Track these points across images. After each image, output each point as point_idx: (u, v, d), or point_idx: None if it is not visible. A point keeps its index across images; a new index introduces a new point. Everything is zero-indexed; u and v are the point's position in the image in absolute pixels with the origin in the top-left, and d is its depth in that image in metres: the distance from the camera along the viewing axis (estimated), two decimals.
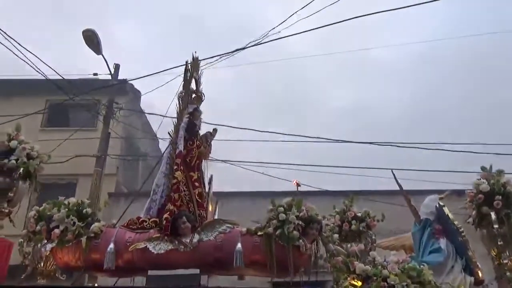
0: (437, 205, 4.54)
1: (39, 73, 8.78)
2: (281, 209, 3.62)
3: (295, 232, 3.49)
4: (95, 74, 10.84)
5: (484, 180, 3.75)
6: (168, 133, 4.25)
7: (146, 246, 3.50)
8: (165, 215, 3.62)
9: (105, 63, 10.16)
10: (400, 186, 4.88)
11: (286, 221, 3.53)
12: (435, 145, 9.72)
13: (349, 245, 4.61)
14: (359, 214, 4.72)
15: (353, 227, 4.63)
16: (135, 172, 14.72)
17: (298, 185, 4.13)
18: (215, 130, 4.90)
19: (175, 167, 3.96)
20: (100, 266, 3.48)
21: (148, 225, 3.70)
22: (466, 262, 3.98)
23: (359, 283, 3.30)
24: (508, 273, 3.49)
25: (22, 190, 3.91)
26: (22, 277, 4.36)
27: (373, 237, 4.70)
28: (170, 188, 3.86)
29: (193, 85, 4.88)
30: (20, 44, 7.95)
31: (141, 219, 3.77)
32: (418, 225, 4.63)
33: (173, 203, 3.73)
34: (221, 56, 7.92)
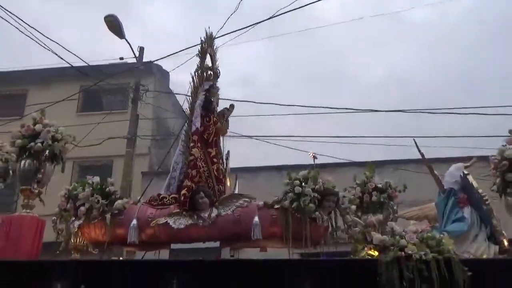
0: (462, 174, 4.41)
1: (64, 61, 9.07)
2: (297, 182, 3.64)
3: (311, 205, 3.50)
4: (121, 59, 11.06)
5: (510, 146, 3.58)
6: (183, 111, 4.31)
7: (167, 221, 3.63)
8: (183, 191, 3.73)
9: (130, 47, 10.38)
10: (422, 154, 4.76)
11: (302, 193, 3.55)
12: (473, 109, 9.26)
13: (369, 216, 4.61)
14: (380, 185, 4.64)
15: (373, 198, 4.57)
16: (167, 151, 15.13)
17: (314, 157, 4.11)
18: (232, 105, 4.91)
19: (192, 144, 4.04)
20: (125, 241, 3.66)
21: (168, 201, 3.83)
22: (490, 231, 3.88)
23: (376, 253, 3.29)
24: None
25: (50, 171, 4.11)
26: (57, 252, 4.68)
27: (395, 208, 4.62)
28: (187, 165, 3.95)
29: (209, 62, 4.91)
30: (45, 35, 8.21)
31: (161, 196, 3.90)
32: (442, 195, 4.53)
33: (190, 179, 3.82)
34: (239, 30, 7.88)
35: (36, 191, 3.98)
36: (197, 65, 4.51)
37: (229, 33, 8.30)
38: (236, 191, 4.74)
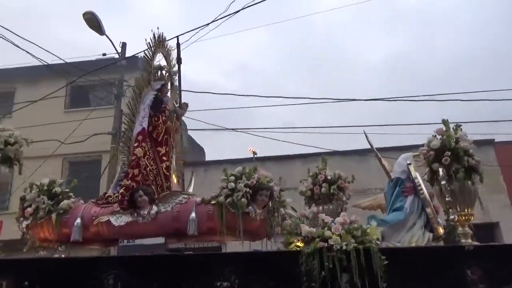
0: (407, 163, 4.48)
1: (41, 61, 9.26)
2: (232, 178, 3.77)
3: (243, 200, 3.64)
4: (104, 54, 11.23)
5: (439, 136, 3.65)
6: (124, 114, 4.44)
7: (109, 219, 3.80)
8: (121, 190, 3.89)
9: (111, 43, 10.51)
10: (371, 144, 4.84)
11: (235, 189, 3.69)
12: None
13: (320, 208, 4.73)
14: (329, 177, 4.75)
15: (323, 190, 4.68)
16: None
17: (254, 153, 4.22)
18: (185, 104, 5.05)
19: (136, 144, 4.19)
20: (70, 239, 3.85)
21: (112, 200, 4.00)
22: (426, 219, 3.97)
23: (302, 244, 3.42)
24: (458, 229, 3.45)
25: (5, 174, 4.30)
26: (25, 250, 4.91)
27: (344, 199, 4.73)
28: (128, 165, 4.10)
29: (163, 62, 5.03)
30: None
31: (107, 195, 4.08)
32: (391, 184, 4.62)
33: (131, 178, 3.98)
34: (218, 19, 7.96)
35: None
36: (142, 68, 4.62)
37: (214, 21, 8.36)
38: (192, 187, 4.90)
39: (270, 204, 3.78)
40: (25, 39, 8.39)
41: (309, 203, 4.90)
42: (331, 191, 4.72)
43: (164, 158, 4.45)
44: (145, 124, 4.37)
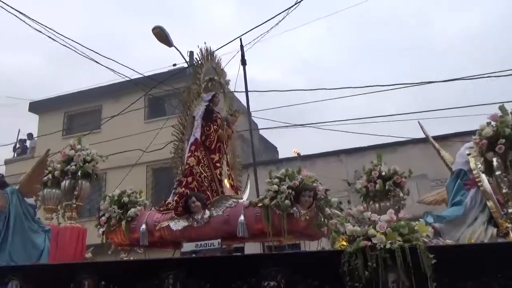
0: (467, 154, 4.17)
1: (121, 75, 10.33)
2: (276, 180, 3.89)
3: (286, 201, 3.74)
4: (174, 65, 12.02)
5: (494, 123, 3.34)
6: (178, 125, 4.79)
7: (168, 224, 4.17)
8: (175, 198, 4.23)
9: (180, 54, 11.24)
10: (426, 135, 4.59)
11: (279, 191, 3.80)
12: None
13: (376, 206, 4.61)
14: (384, 173, 4.59)
15: (377, 186, 4.54)
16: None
17: (298, 154, 4.22)
18: (236, 111, 5.29)
19: (189, 154, 4.51)
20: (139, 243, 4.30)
21: (171, 206, 4.37)
22: (489, 213, 3.66)
23: (346, 243, 3.40)
24: None
25: (86, 187, 4.93)
26: (109, 253, 5.57)
27: (401, 195, 4.53)
28: (182, 173, 4.44)
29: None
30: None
31: (167, 201, 4.46)
32: (452, 177, 4.34)
33: (184, 186, 4.30)
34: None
35: (75, 205, 4.81)
36: (191, 82, 4.93)
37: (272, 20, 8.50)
38: (248, 189, 5.12)
39: (315, 204, 3.81)
40: (108, 58, 9.41)
41: (365, 200, 4.80)
42: (387, 187, 4.57)
43: (218, 164, 4.72)
44: (197, 135, 4.69)
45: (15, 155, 15.87)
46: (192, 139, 4.63)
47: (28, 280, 4.11)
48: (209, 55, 5.17)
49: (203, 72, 5.09)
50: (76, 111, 15.93)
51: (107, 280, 3.94)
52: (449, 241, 3.52)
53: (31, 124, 16.79)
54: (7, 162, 15.12)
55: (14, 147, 16.19)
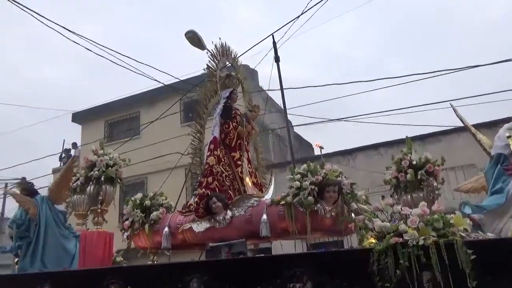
0: (507, 136, 3.82)
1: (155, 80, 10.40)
2: (298, 176, 3.70)
3: (309, 198, 3.55)
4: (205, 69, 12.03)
5: None
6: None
7: (191, 226, 4.08)
8: (195, 199, 4.13)
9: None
10: (460, 118, 4.25)
11: (301, 188, 3.61)
12: None
13: (408, 197, 4.32)
14: (414, 162, 4.28)
15: (408, 176, 4.24)
16: (266, 146, 15.79)
17: (321, 148, 4.01)
18: (256, 106, 5.12)
19: (208, 153, 4.40)
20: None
21: (193, 208, 4.27)
22: None
23: (375, 241, 3.17)
24: None
25: (110, 192, 4.94)
26: (139, 256, 5.58)
27: (435, 184, 4.21)
28: (202, 174, 4.33)
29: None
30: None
31: (188, 203, 4.37)
32: (491, 162, 3.99)
33: (205, 187, 4.19)
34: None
35: (99, 210, 4.83)
36: (206, 79, 4.82)
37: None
38: (272, 187, 4.95)
39: (340, 199, 3.60)
40: (145, 64, 9.55)
41: (396, 192, 4.52)
42: (419, 177, 4.26)
43: (239, 162, 4.58)
44: (216, 133, 4.57)
45: (62, 164, 16.47)
46: (210, 138, 4.51)
47: (58, 286, 4.16)
48: (225, 51, 5.03)
49: (219, 69, 4.95)
50: (116, 119, 16.46)
51: (132, 285, 3.91)
52: (490, 234, 3.20)
53: (75, 134, 17.44)
54: (54, 171, 15.70)
55: (60, 156, 16.92)
